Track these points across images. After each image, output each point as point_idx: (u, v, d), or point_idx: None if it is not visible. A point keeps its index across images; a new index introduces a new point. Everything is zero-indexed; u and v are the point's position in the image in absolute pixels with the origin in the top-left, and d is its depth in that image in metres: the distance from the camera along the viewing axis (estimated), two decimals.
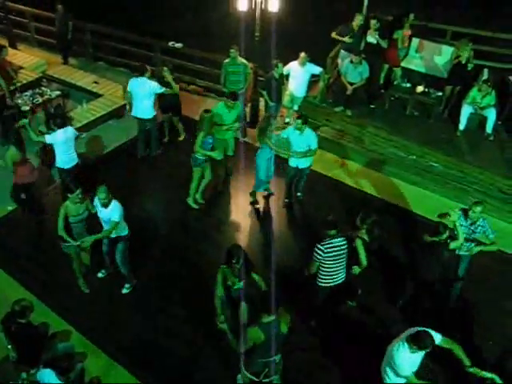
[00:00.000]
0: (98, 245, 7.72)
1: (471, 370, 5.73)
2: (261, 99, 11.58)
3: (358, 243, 6.87)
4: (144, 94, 10.04)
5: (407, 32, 11.27)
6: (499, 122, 10.65)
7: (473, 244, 7.42)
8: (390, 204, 9.82)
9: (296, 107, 11.16)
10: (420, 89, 11.54)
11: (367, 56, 10.95)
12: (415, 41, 11.60)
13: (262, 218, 9.54)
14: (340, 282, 6.95)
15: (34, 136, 8.77)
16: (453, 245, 7.08)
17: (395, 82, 11.78)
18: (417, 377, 5.70)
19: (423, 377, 5.79)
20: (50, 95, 11.88)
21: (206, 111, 8.92)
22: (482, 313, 7.76)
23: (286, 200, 9.71)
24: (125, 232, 7.51)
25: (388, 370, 5.81)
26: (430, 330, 5.50)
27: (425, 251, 7.27)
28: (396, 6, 12.41)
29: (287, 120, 11.50)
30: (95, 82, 12.97)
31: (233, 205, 9.81)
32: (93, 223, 7.62)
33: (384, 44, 11.14)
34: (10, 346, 6.29)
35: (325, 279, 6.86)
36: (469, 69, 10.77)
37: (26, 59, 13.85)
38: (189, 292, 8.01)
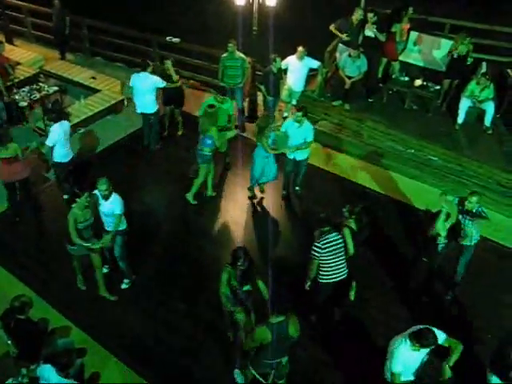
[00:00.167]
0: None
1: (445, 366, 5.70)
2: (259, 94, 11.56)
3: (346, 232, 6.91)
4: (146, 89, 10.06)
5: (406, 26, 11.24)
6: (497, 116, 10.63)
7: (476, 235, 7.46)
8: (388, 198, 9.83)
9: (294, 101, 11.14)
10: (418, 82, 11.52)
11: (365, 50, 10.93)
12: (413, 34, 11.57)
13: (261, 212, 9.53)
14: (343, 277, 6.93)
15: (45, 148, 8.79)
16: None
17: (393, 76, 11.76)
18: (417, 375, 5.70)
19: (423, 375, 5.79)
20: (47, 91, 11.85)
21: (211, 106, 8.91)
22: (480, 306, 7.79)
23: (284, 192, 9.73)
24: (123, 226, 7.49)
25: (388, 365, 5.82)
26: (434, 329, 5.48)
27: (425, 245, 7.29)
28: None
29: (285, 114, 11.49)
30: (93, 78, 12.97)
31: (232, 200, 9.79)
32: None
33: (382, 38, 11.11)
34: (9, 342, 6.29)
35: (326, 275, 6.85)
36: (468, 63, 10.75)
37: (23, 55, 13.84)
38: (188, 287, 8.01)
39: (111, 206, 7.24)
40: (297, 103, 11.06)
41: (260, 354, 5.79)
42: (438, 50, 11.49)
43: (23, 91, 11.64)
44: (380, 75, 11.82)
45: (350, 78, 10.82)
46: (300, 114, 8.76)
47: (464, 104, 10.37)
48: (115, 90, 12.56)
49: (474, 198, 7.16)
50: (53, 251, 8.45)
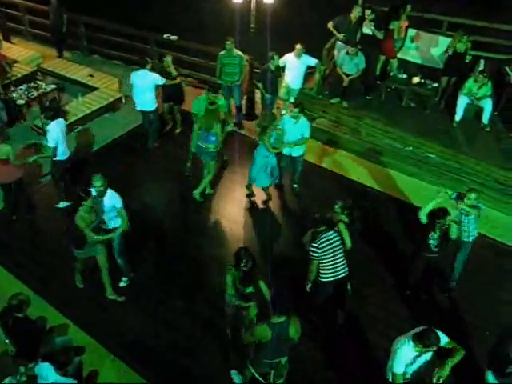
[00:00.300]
0: None
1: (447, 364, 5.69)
2: (257, 91, 11.55)
3: (341, 227, 6.96)
4: (146, 87, 10.06)
5: (404, 23, 11.22)
6: (495, 113, 10.63)
7: (473, 231, 7.49)
8: (386, 195, 9.84)
9: (292, 99, 11.12)
10: (416, 80, 11.50)
11: (363, 47, 10.92)
12: (411, 32, 11.57)
13: (259, 210, 9.52)
14: (343, 275, 6.92)
15: (49, 150, 8.72)
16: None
17: (391, 73, 11.74)
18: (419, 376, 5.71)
19: (424, 377, 5.79)
20: (45, 89, 11.86)
21: (211, 103, 8.91)
22: (477, 303, 7.81)
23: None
24: (120, 223, 7.48)
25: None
26: (437, 331, 5.48)
27: (423, 242, 7.31)
28: None
29: (283, 112, 11.47)
30: (90, 75, 12.93)
31: (230, 197, 9.79)
32: None
33: (380, 35, 11.10)
34: (7, 341, 6.28)
35: (326, 274, 6.84)
36: (467, 61, 10.75)
37: (21, 53, 13.81)
38: (187, 285, 8.02)
39: (110, 202, 7.23)
40: (295, 101, 11.06)
41: (259, 353, 5.79)
42: (435, 47, 11.48)
43: (21, 89, 11.63)
44: (378, 73, 11.80)
45: (347, 75, 10.80)
46: (297, 110, 8.82)
47: (462, 101, 10.37)
48: (113, 88, 12.54)
49: (473, 195, 7.19)
50: (49, 249, 8.50)
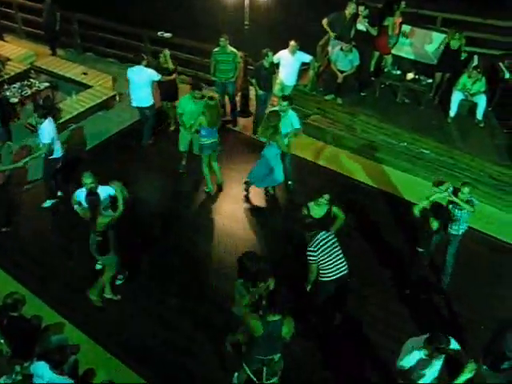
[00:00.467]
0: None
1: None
2: (251, 88, 11.54)
3: (335, 209, 7.28)
4: (142, 83, 10.05)
5: (398, 19, 11.24)
6: (489, 109, 10.66)
7: (464, 224, 7.55)
8: (381, 191, 9.85)
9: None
10: (410, 76, 11.53)
11: (357, 44, 10.92)
12: (405, 28, 11.58)
13: (255, 207, 9.51)
14: (344, 273, 6.88)
15: (45, 147, 8.64)
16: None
17: (386, 70, 11.77)
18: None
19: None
20: (38, 87, 11.82)
21: (211, 98, 8.91)
22: (472, 298, 7.82)
23: None
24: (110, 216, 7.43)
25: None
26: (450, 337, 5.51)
27: (420, 236, 7.34)
28: None
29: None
30: (84, 73, 12.89)
31: (227, 194, 9.76)
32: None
33: (373, 31, 11.11)
34: (2, 341, 6.26)
35: (327, 273, 6.80)
36: (462, 58, 10.77)
37: (14, 51, 13.77)
38: (184, 283, 8.00)
39: (105, 193, 7.21)
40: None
41: (252, 349, 5.81)
42: (429, 43, 11.51)
43: (14, 87, 11.60)
44: (372, 69, 11.83)
45: (342, 72, 10.82)
46: (286, 103, 8.79)
47: (456, 97, 10.39)
48: (107, 86, 12.51)
49: (466, 189, 7.24)
50: (44, 249, 8.49)
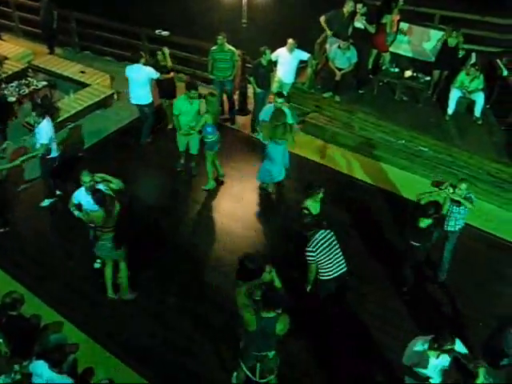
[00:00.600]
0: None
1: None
2: (249, 86, 11.53)
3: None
4: (141, 81, 10.06)
5: (396, 17, 11.22)
6: (487, 106, 10.66)
7: (460, 220, 7.56)
8: (379, 189, 9.85)
9: (284, 94, 11.09)
10: (408, 73, 11.51)
11: (355, 41, 10.91)
12: (403, 25, 11.57)
13: (254, 205, 9.51)
14: (342, 271, 6.91)
15: (42, 147, 8.62)
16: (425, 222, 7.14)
17: (384, 67, 11.75)
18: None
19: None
20: (36, 86, 11.80)
21: (212, 94, 8.90)
22: (470, 295, 7.84)
23: None
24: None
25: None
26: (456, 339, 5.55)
27: (415, 234, 7.33)
28: None
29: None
30: (82, 72, 12.86)
31: (226, 193, 9.75)
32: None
33: (371, 29, 11.09)
34: (1, 340, 6.26)
35: (327, 272, 6.82)
36: (459, 56, 10.77)
37: (11, 49, 13.73)
38: (183, 282, 8.01)
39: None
40: (287, 95, 11.04)
41: (247, 345, 5.83)
42: (427, 41, 11.49)
43: (12, 86, 11.57)
44: (370, 67, 11.80)
45: (340, 69, 10.81)
46: (281, 100, 8.81)
47: (454, 95, 10.39)
48: (105, 85, 12.49)
49: (464, 185, 7.28)
50: (42, 248, 8.48)
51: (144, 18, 15.07)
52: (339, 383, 6.84)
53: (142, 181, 9.84)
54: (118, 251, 7.26)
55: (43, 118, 8.57)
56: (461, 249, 7.88)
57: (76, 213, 7.42)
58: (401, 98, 11.38)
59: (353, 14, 11.20)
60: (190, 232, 8.95)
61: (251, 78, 10.80)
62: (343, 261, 6.90)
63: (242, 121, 11.58)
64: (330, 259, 6.76)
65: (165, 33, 13.13)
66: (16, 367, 6.41)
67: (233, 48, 10.88)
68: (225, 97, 11.40)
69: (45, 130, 8.53)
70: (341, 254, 6.88)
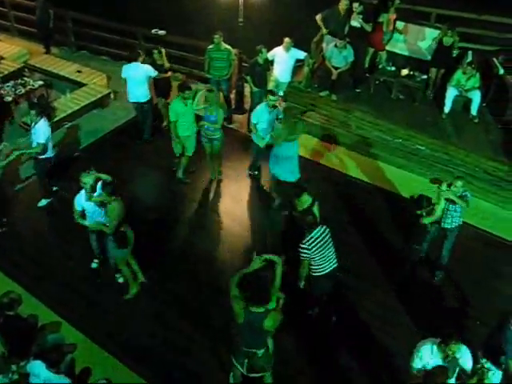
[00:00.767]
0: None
1: None
2: (246, 85, 11.53)
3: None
4: (139, 79, 10.07)
5: (393, 16, 11.23)
6: (484, 104, 10.66)
7: (456, 218, 7.58)
8: (376, 187, 9.86)
9: (281, 93, 11.11)
10: (405, 72, 11.52)
11: (352, 40, 10.92)
12: (399, 24, 11.57)
13: (252, 204, 9.51)
14: (334, 266, 6.94)
15: (39, 147, 8.60)
16: (427, 219, 7.22)
17: (380, 66, 11.76)
18: None
19: None
20: (32, 85, 11.77)
21: (209, 90, 8.93)
22: (467, 293, 7.86)
23: (255, 172, 9.95)
24: None
25: None
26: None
27: (414, 231, 7.36)
28: None
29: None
30: (78, 71, 12.84)
31: (224, 192, 9.76)
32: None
33: (368, 28, 11.10)
34: None
35: (318, 268, 6.83)
36: (454, 55, 10.78)
37: (7, 49, 13.70)
38: (183, 282, 8.00)
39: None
40: (284, 94, 11.06)
41: (237, 339, 5.83)
42: (423, 39, 11.51)
43: (8, 86, 11.53)
44: (367, 65, 11.80)
45: (336, 68, 10.81)
46: (274, 98, 8.81)
47: (450, 93, 10.40)
48: (101, 84, 12.47)
49: (459, 183, 7.31)
50: (40, 248, 8.47)
51: (143, 18, 15.07)
52: (334, 382, 6.83)
53: (139, 180, 9.83)
54: (124, 249, 7.29)
55: (41, 117, 8.56)
56: (458, 247, 7.90)
57: (85, 223, 7.41)
58: (397, 97, 11.38)
59: (349, 12, 11.21)
60: (187, 231, 8.94)
61: (248, 77, 10.81)
62: (334, 256, 6.93)
63: (238, 120, 11.57)
64: (323, 256, 6.77)
65: (161, 32, 13.12)
66: (13, 367, 6.42)
67: (229, 47, 10.89)
68: (221, 96, 11.39)
69: (42, 130, 8.52)
70: (333, 250, 6.90)
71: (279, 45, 10.68)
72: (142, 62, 10.13)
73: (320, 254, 6.74)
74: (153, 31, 13.18)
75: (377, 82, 11.63)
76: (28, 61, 13.40)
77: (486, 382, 5.77)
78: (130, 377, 6.74)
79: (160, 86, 10.74)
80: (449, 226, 7.63)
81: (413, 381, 5.80)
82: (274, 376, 6.26)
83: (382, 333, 7.25)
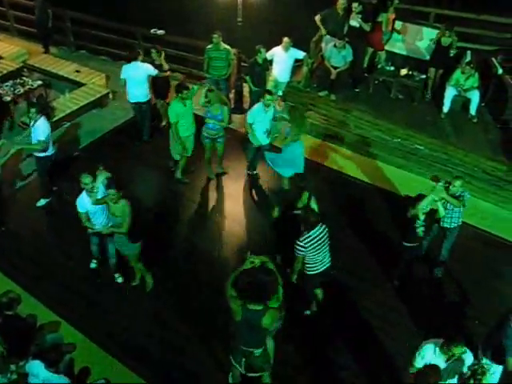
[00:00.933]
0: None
1: None
2: (245, 85, 11.53)
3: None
4: (139, 78, 10.06)
5: (392, 15, 11.24)
6: (483, 104, 10.69)
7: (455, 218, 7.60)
8: (375, 187, 9.85)
9: (280, 92, 11.11)
10: (404, 72, 11.53)
11: (351, 40, 10.93)
12: (398, 24, 11.58)
13: (251, 204, 9.51)
14: (328, 265, 6.96)
15: (35, 147, 8.60)
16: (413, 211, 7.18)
17: (379, 66, 11.77)
18: None
19: None
20: (31, 85, 11.75)
21: (210, 90, 8.98)
22: (467, 293, 7.85)
23: (254, 172, 9.92)
24: None
25: None
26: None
27: (408, 230, 7.35)
28: None
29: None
30: (77, 71, 12.82)
31: (221, 192, 9.75)
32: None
33: (367, 27, 11.10)
34: None
35: (313, 267, 6.85)
36: (451, 55, 10.79)
37: (6, 49, 13.67)
38: (183, 282, 7.99)
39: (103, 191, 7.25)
40: (283, 94, 11.06)
41: (235, 338, 5.82)
42: (422, 39, 11.53)
43: (6, 86, 11.52)
44: (366, 65, 11.82)
45: (335, 68, 10.82)
46: (270, 97, 8.83)
47: (449, 93, 10.41)
48: (100, 84, 12.46)
49: (458, 182, 7.30)
50: (38, 247, 8.46)
51: (143, 18, 15.06)
52: (334, 382, 6.83)
53: (139, 179, 9.81)
54: (136, 243, 7.34)
55: (41, 115, 8.55)
56: (457, 247, 7.90)
57: (95, 228, 7.39)
58: (396, 97, 11.40)
59: (348, 12, 11.21)
60: (186, 231, 8.94)
61: (247, 77, 10.82)
62: (329, 256, 6.94)
63: (237, 119, 11.56)
64: (318, 255, 6.77)
65: (160, 32, 13.14)
66: (12, 367, 6.40)
67: (228, 47, 10.88)
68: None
69: (42, 128, 8.52)
70: (328, 249, 6.90)
71: (278, 44, 10.67)
72: (141, 62, 10.10)
73: (316, 253, 6.73)
74: (152, 31, 13.19)
75: (376, 82, 11.65)
76: (27, 60, 13.38)
77: (485, 381, 5.78)
78: (129, 377, 6.72)
79: (158, 86, 10.72)
80: (448, 226, 7.63)
81: (406, 381, 5.81)
82: (272, 376, 6.27)
83: (382, 333, 7.25)
